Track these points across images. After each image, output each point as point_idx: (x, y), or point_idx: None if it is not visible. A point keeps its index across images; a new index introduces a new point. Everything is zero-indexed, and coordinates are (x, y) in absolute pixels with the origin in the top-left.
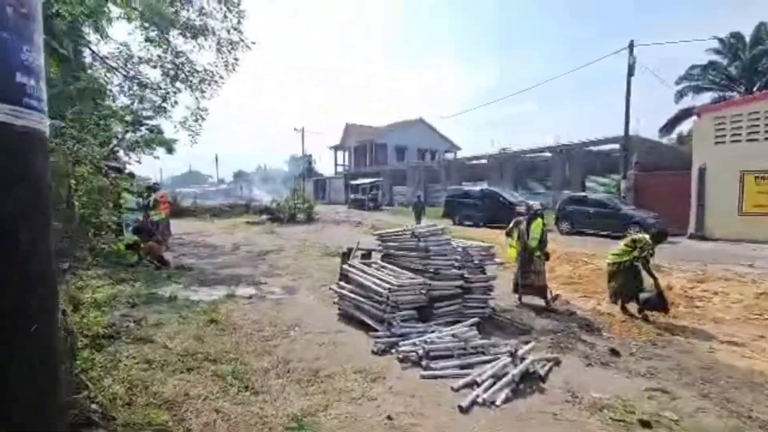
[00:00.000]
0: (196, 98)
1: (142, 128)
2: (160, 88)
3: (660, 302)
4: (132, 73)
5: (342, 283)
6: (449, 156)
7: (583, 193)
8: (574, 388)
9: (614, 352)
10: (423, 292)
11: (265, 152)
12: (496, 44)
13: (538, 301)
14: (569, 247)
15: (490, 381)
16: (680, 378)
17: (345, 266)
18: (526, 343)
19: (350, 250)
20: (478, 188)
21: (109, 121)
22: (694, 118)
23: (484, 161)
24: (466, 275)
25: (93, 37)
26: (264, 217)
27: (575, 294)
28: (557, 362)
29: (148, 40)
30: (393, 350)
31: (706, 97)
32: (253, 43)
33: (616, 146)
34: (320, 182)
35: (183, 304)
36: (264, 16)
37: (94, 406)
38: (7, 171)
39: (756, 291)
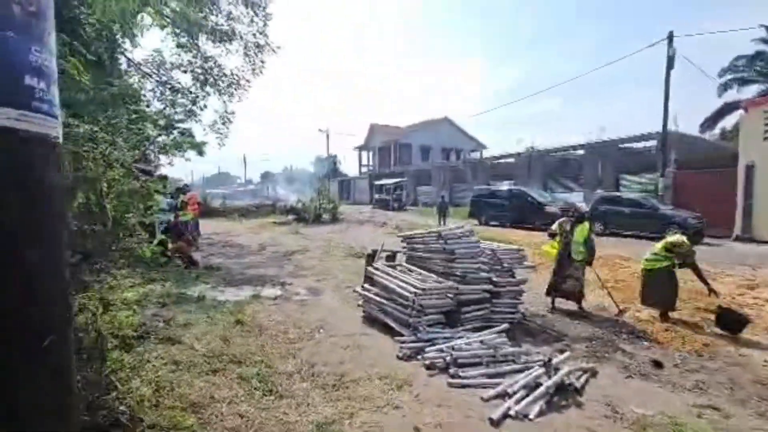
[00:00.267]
0: (224, 102)
1: (174, 131)
2: (191, 93)
3: (735, 318)
4: (164, 78)
5: (366, 286)
6: (475, 155)
7: (618, 193)
8: (613, 401)
9: (657, 364)
10: (450, 296)
11: (291, 153)
12: (520, 42)
13: (572, 306)
14: (603, 249)
15: (523, 392)
16: (732, 394)
17: (370, 268)
18: (560, 351)
19: (375, 251)
20: (505, 188)
21: (142, 125)
22: (740, 112)
23: (511, 160)
24: (494, 279)
25: (129, 44)
26: (290, 217)
27: (611, 299)
28: (594, 373)
29: (179, 46)
30: (419, 356)
31: (752, 90)
32: (278, 47)
33: (653, 143)
34: (345, 182)
35: (210, 305)
36: (285, 19)
37: (122, 407)
38: (11, 180)
39: None
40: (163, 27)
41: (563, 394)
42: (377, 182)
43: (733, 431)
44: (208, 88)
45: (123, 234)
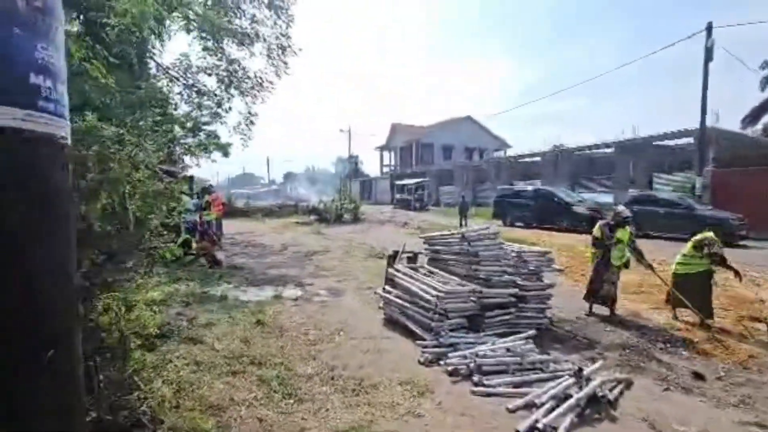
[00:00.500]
0: (246, 104)
1: (201, 133)
2: (216, 95)
3: None
4: (191, 81)
5: (387, 288)
6: (499, 154)
7: (651, 192)
8: (651, 417)
9: (698, 376)
10: (473, 299)
11: (313, 154)
12: (544, 41)
13: (604, 311)
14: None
15: (551, 403)
16: None
17: (391, 270)
18: (591, 360)
19: (396, 253)
20: (530, 187)
21: (168, 127)
22: None
23: (536, 159)
24: (519, 282)
25: (158, 49)
26: (312, 217)
27: (645, 305)
28: (629, 384)
29: (205, 49)
30: (441, 361)
31: None
32: (300, 49)
33: (689, 140)
34: (366, 183)
35: (233, 305)
36: (308, 20)
37: (143, 408)
38: (15, 181)
39: None
40: (189, 31)
41: (595, 407)
42: (398, 182)
43: None
44: (232, 91)
45: (147, 234)
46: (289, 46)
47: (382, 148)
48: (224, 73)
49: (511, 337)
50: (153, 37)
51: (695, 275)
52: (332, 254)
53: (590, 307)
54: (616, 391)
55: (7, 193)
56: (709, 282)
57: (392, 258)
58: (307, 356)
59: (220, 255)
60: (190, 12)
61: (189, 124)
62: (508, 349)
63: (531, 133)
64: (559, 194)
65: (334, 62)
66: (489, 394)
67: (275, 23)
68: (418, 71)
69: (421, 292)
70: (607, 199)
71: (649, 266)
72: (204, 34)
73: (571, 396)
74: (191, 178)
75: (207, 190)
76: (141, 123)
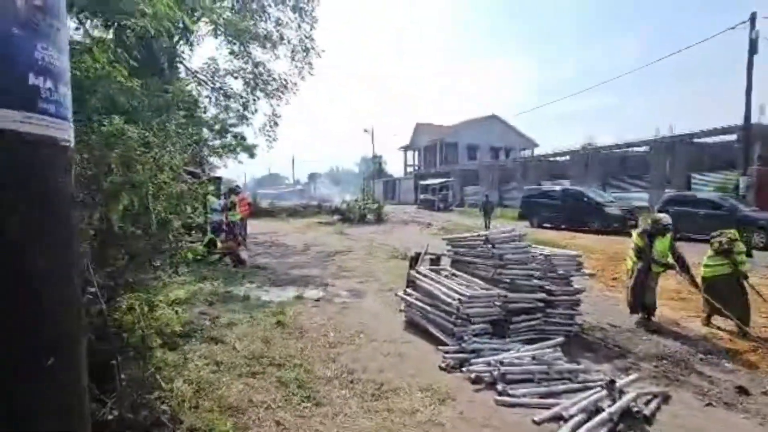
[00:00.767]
0: (271, 105)
1: (228, 135)
2: (242, 97)
3: None
4: (218, 84)
5: (409, 290)
6: (525, 153)
7: (690, 192)
8: None
9: (742, 390)
10: (498, 304)
11: (337, 154)
12: (571, 39)
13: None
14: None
15: (581, 416)
16: None
17: (412, 272)
18: (624, 370)
19: (418, 254)
20: (559, 187)
21: (194, 128)
22: None
23: (566, 158)
24: (547, 287)
25: (186, 54)
26: (335, 217)
27: (683, 312)
28: (666, 398)
29: (231, 53)
30: (463, 368)
31: None
32: (323, 50)
33: (731, 138)
34: (390, 183)
35: (254, 304)
36: (331, 21)
37: (164, 407)
38: (13, 184)
39: None
40: (216, 35)
41: (629, 422)
42: (422, 182)
43: None
44: (257, 93)
45: (171, 235)
46: (313, 48)
47: (405, 148)
48: (250, 76)
49: (538, 345)
50: (182, 42)
51: (722, 278)
52: (354, 254)
53: (645, 316)
54: (652, 406)
55: (7, 195)
56: (740, 285)
57: (414, 260)
58: (326, 358)
59: (244, 254)
60: (216, 17)
61: (217, 127)
62: (534, 357)
63: (559, 132)
64: (589, 194)
65: (354, 64)
66: (513, 405)
67: (299, 26)
68: (436, 71)
69: (443, 296)
70: (642, 199)
71: (693, 281)
72: (230, 38)
73: (602, 409)
74: (219, 179)
75: (234, 190)
76: (167, 125)
